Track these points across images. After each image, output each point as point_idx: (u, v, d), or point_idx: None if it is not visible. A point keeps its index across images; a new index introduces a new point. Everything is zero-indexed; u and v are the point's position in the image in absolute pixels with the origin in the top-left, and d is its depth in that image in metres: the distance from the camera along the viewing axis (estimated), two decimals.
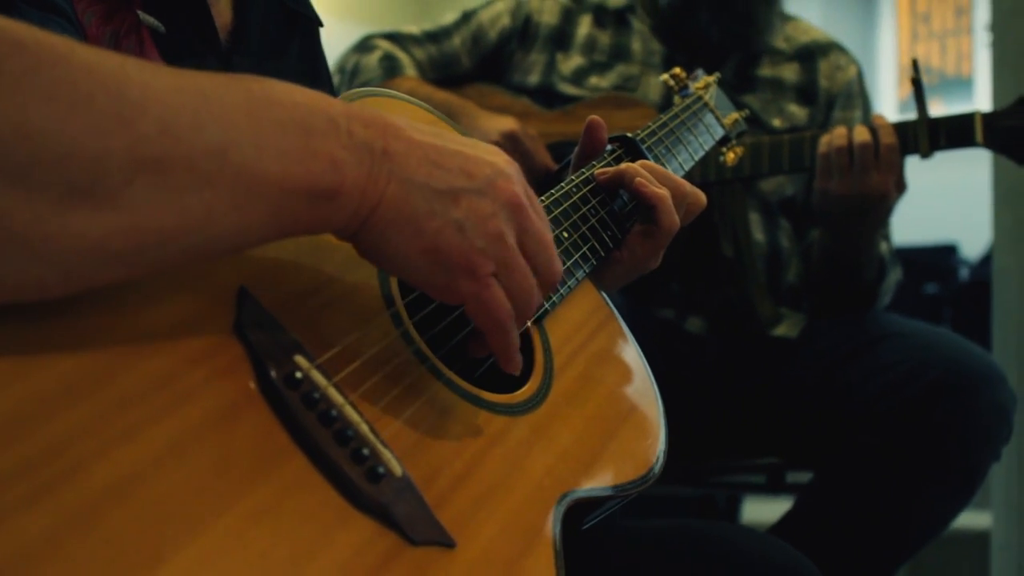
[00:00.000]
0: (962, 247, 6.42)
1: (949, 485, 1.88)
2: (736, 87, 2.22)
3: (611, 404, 1.00)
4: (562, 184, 1.15)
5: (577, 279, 1.08)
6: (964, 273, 6.27)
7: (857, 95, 2.29)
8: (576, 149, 1.24)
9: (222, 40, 1.01)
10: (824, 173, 1.92)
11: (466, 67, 2.35)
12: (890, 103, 8.14)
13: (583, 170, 1.19)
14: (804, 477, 2.15)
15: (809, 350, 2.07)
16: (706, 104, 1.50)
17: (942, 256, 6.35)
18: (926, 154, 1.90)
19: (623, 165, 1.18)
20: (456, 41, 2.34)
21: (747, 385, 2.10)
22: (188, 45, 0.96)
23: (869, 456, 1.90)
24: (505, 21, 2.33)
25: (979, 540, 3.16)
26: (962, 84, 7.81)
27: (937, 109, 7.74)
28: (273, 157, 0.70)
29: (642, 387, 1.05)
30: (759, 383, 2.09)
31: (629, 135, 1.27)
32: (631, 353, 1.08)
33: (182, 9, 0.96)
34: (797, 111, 2.24)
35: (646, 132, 1.31)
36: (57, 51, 0.62)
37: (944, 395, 1.84)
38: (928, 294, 6.02)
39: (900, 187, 1.94)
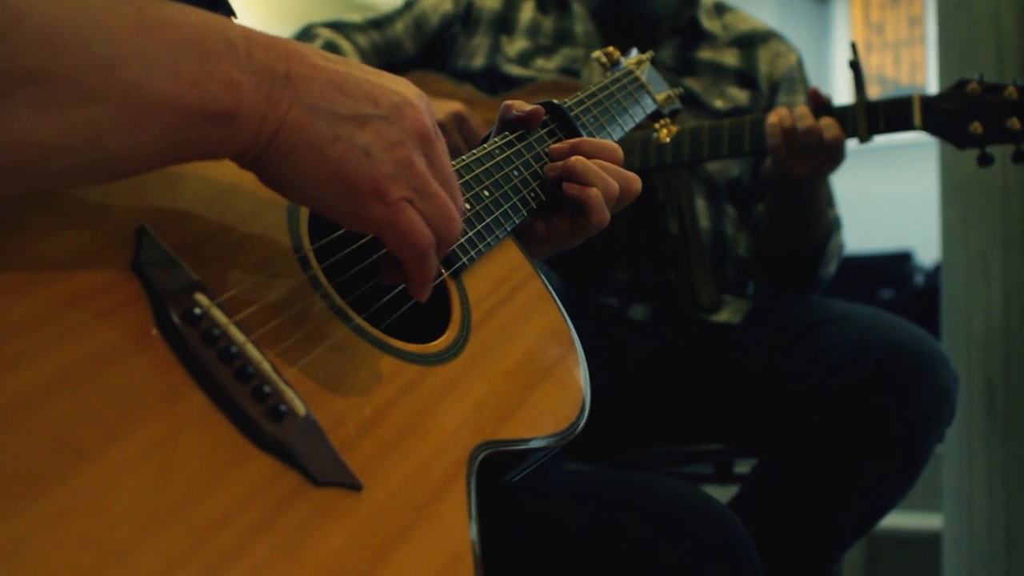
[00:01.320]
0: (917, 254, 6.46)
1: (892, 467, 1.88)
2: (676, 70, 2.23)
3: (531, 360, 0.99)
4: (484, 145, 1.13)
5: (497, 236, 1.06)
6: (919, 280, 6.31)
7: (799, 80, 2.30)
8: (498, 121, 1.21)
9: None
10: (775, 158, 1.93)
11: (409, 52, 2.34)
12: None
13: (506, 133, 1.17)
14: (752, 466, 2.14)
15: (752, 336, 2.06)
16: (637, 78, 1.49)
17: (897, 263, 6.40)
18: (864, 138, 1.90)
19: (576, 159, 1.15)
20: (399, 27, 2.34)
21: (691, 372, 2.09)
22: None
23: (812, 440, 1.89)
24: (447, 7, 2.33)
25: (931, 541, 3.18)
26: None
27: None
28: (165, 77, 0.68)
29: (564, 345, 1.04)
30: (703, 370, 2.08)
31: (556, 102, 1.26)
32: (553, 312, 1.06)
33: None
34: (738, 94, 2.24)
35: (573, 101, 1.30)
36: None
37: (886, 377, 1.83)
38: (883, 300, 6.06)
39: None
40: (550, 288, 1.08)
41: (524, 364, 0.97)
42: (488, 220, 1.05)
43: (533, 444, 0.92)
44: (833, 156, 1.92)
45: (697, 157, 1.99)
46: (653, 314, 2.12)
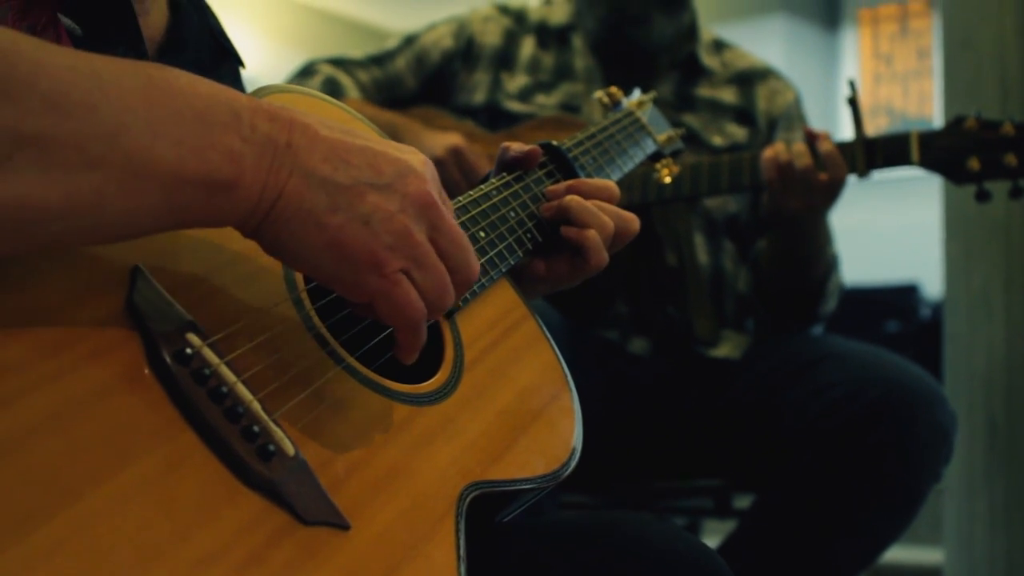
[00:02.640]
0: (923, 287, 6.46)
1: (889, 506, 1.88)
2: (675, 106, 2.25)
3: (523, 401, 0.99)
4: (481, 186, 1.14)
5: (492, 278, 1.07)
6: (926, 312, 6.31)
7: (796, 118, 2.31)
8: (496, 162, 1.22)
9: (148, 52, 1.00)
10: (771, 194, 1.94)
11: (411, 88, 2.35)
12: None
13: (504, 174, 1.18)
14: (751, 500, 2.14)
15: (751, 371, 2.07)
16: (638, 119, 1.50)
17: (903, 296, 6.40)
18: (863, 173, 1.92)
19: (570, 199, 1.16)
20: (400, 63, 2.35)
21: (690, 406, 2.10)
22: (109, 50, 0.95)
23: (809, 477, 1.90)
24: (448, 43, 2.34)
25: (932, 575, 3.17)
26: (924, 125, 7.90)
27: None
28: (168, 145, 0.70)
29: (557, 386, 1.04)
30: (702, 404, 2.09)
31: (555, 143, 1.27)
32: (547, 352, 1.07)
33: (107, 15, 0.95)
34: (737, 131, 2.26)
35: (573, 142, 1.31)
36: None
37: (883, 416, 1.84)
38: (889, 332, 6.06)
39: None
40: (544, 329, 1.09)
41: (516, 405, 0.98)
42: (482, 261, 1.06)
43: (523, 485, 0.93)
44: (830, 192, 1.92)
45: (696, 192, 2.00)
46: (653, 348, 2.13)
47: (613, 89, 1.58)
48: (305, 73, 2.35)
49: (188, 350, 0.73)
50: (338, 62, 2.36)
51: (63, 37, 0.89)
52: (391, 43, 2.41)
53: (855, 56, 8.34)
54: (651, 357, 2.13)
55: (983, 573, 2.72)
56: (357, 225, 0.78)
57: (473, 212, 1.09)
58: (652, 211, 2.09)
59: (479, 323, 1.03)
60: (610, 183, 1.20)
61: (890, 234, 7.16)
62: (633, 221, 1.19)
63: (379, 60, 2.37)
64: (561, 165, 1.26)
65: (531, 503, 0.98)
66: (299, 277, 0.89)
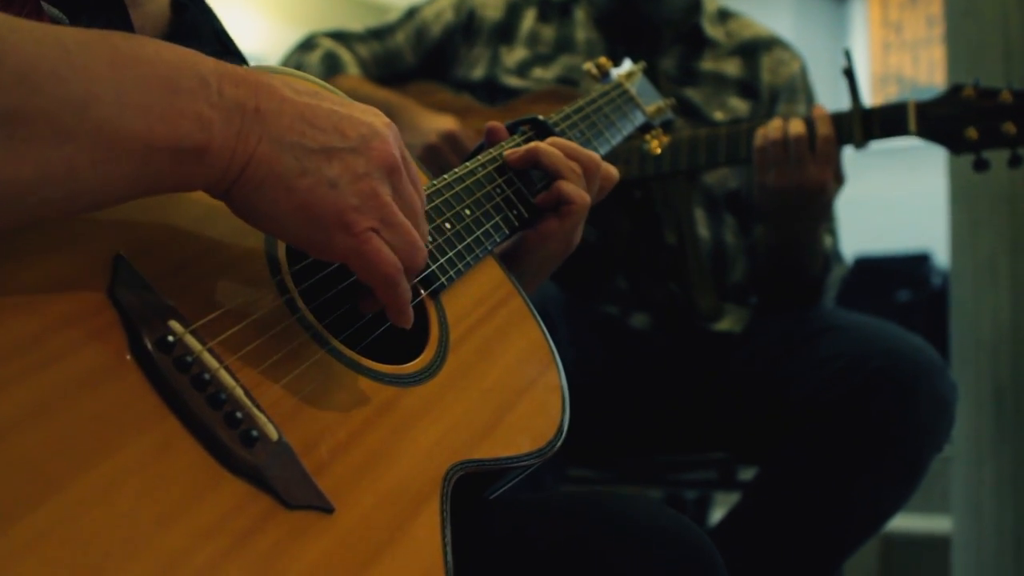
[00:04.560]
0: (935, 255, 6.44)
1: (891, 477, 1.88)
2: (678, 80, 2.24)
3: (509, 378, 1.00)
4: (466, 164, 1.15)
5: (478, 256, 1.08)
6: (937, 281, 6.28)
7: (801, 89, 2.30)
8: (484, 139, 1.24)
9: None
10: (761, 166, 1.93)
11: (410, 63, 2.35)
12: None
13: (490, 151, 1.20)
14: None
15: (752, 344, 2.07)
16: (626, 91, 1.50)
17: (915, 264, 6.37)
18: (860, 144, 1.91)
19: (532, 144, 1.19)
20: (400, 37, 2.35)
21: (692, 380, 2.10)
22: None
23: (812, 448, 1.90)
24: (448, 16, 2.34)
25: (941, 544, 3.18)
26: (934, 93, 7.84)
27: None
28: (136, 114, 0.70)
29: (543, 363, 1.05)
30: (704, 378, 2.09)
31: (540, 118, 1.28)
32: (533, 330, 1.07)
33: (99, 8, 0.96)
34: (739, 104, 2.25)
35: (560, 116, 1.32)
36: None
37: (883, 387, 1.84)
38: (901, 302, 6.04)
39: (838, 179, 1.95)
40: (531, 306, 1.10)
41: (502, 383, 0.99)
42: (469, 239, 1.07)
43: (509, 463, 0.94)
44: (823, 160, 1.90)
45: (695, 165, 2.00)
46: (654, 323, 2.13)
47: (602, 60, 1.58)
48: (305, 47, 2.35)
49: (170, 337, 0.74)
50: (338, 36, 2.36)
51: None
52: (393, 16, 2.40)
53: (864, 24, 8.30)
54: (652, 332, 2.13)
55: (991, 540, 2.73)
56: (325, 187, 0.79)
57: (458, 188, 1.10)
58: (652, 189, 2.09)
59: (465, 302, 1.04)
60: (592, 154, 1.22)
61: (901, 203, 7.14)
62: (613, 170, 1.24)
63: (379, 34, 2.37)
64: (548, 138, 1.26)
65: (519, 479, 0.99)
66: (283, 259, 0.90)
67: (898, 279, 6.23)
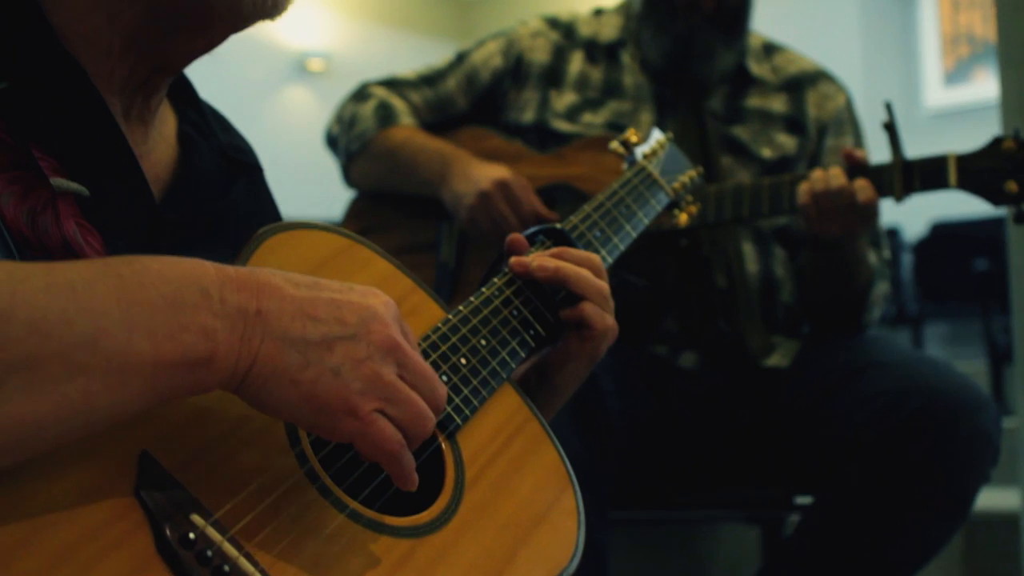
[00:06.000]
0: None
1: (936, 513, 1.92)
2: (725, 119, 2.28)
3: (524, 510, 1.05)
4: (483, 289, 1.21)
5: (493, 388, 1.13)
6: None
7: (847, 122, 2.33)
8: (501, 252, 1.29)
9: (156, 195, 1.07)
10: (806, 218, 1.97)
11: (462, 108, 2.42)
12: (935, 74, 8.09)
13: (505, 270, 1.24)
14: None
15: (799, 380, 2.11)
16: (649, 174, 1.54)
17: (992, 229, 6.27)
18: (900, 198, 1.93)
19: (558, 265, 1.23)
20: (451, 83, 2.41)
21: (741, 417, 2.15)
22: (116, 205, 1.02)
23: (857, 486, 1.95)
24: (497, 61, 2.39)
25: (1008, 521, 3.16)
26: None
27: (981, 78, 7.66)
28: (144, 336, 0.77)
29: (559, 487, 1.10)
30: (753, 414, 2.14)
31: (558, 226, 1.32)
32: (549, 453, 1.12)
33: (110, 168, 1.02)
34: (786, 140, 2.28)
35: (580, 217, 1.36)
36: None
37: (923, 427, 1.88)
38: (978, 271, 5.97)
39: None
40: (548, 428, 1.15)
41: (517, 516, 1.04)
42: (485, 372, 1.12)
43: None
44: (865, 216, 1.95)
45: (739, 217, 2.04)
46: (702, 361, 2.18)
47: (629, 133, 1.61)
48: (359, 97, 2.42)
49: (191, 534, 0.81)
50: (391, 84, 2.42)
51: (63, 212, 0.95)
52: (443, 61, 2.46)
53: None
54: (700, 370, 2.18)
55: None
56: (328, 376, 0.85)
57: (474, 320, 1.15)
58: (699, 232, 2.14)
59: (481, 436, 1.09)
60: (593, 256, 1.26)
61: None
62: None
63: (431, 80, 2.43)
64: (569, 244, 1.31)
65: None
66: (302, 431, 0.96)
67: (975, 246, 6.15)
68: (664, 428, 2.13)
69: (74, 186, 0.97)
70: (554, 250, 1.26)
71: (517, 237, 1.28)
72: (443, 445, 1.05)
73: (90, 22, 1.02)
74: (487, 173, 2.15)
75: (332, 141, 2.46)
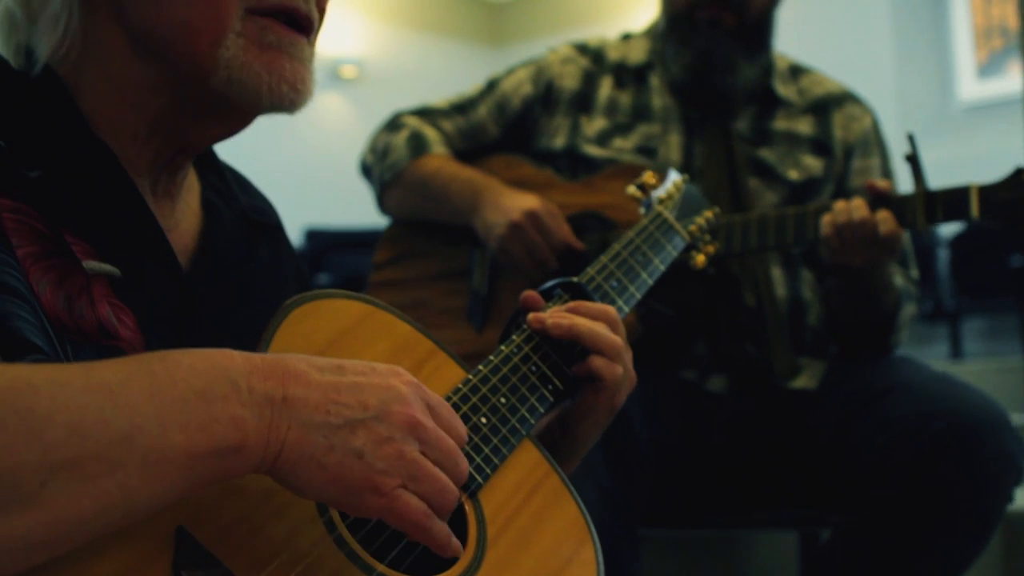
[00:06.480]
0: None
1: (962, 534, 1.96)
2: (752, 141, 2.31)
3: (545, 563, 1.09)
4: (502, 347, 1.25)
5: (513, 445, 1.16)
6: None
7: (874, 143, 2.36)
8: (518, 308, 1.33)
9: (184, 266, 1.12)
10: (829, 249, 2.01)
11: (494, 135, 2.46)
12: (968, 66, 8.05)
13: (524, 328, 1.28)
14: None
15: (825, 402, 2.15)
16: (665, 220, 1.57)
17: None
18: (922, 228, 1.96)
19: (571, 322, 1.26)
20: (482, 111, 2.45)
21: (769, 439, 2.18)
22: (146, 282, 1.07)
23: (883, 508, 1.99)
24: (527, 88, 2.44)
25: None
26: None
27: (1015, 70, 7.61)
28: (178, 431, 0.82)
29: (579, 540, 1.13)
30: (781, 437, 2.18)
31: (575, 280, 1.36)
32: (569, 507, 1.16)
33: (140, 246, 1.08)
34: (813, 163, 2.31)
35: (596, 268, 1.40)
36: None
37: (948, 450, 1.92)
38: (1014, 266, 5.94)
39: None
40: (567, 481, 1.19)
41: (538, 570, 1.08)
42: (504, 430, 1.15)
43: None
44: (888, 248, 1.97)
45: (764, 246, 2.08)
46: (731, 385, 2.22)
47: (647, 176, 1.64)
48: (391, 127, 2.46)
49: None
50: (423, 113, 2.47)
51: (97, 295, 1.01)
52: (474, 89, 2.51)
53: None
54: (729, 394, 2.22)
55: None
56: (352, 458, 0.90)
57: (494, 380, 1.19)
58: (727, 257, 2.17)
59: (502, 493, 1.12)
60: (608, 308, 1.30)
61: (1014, 157, 6.99)
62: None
63: (462, 108, 2.48)
64: (583, 299, 1.34)
65: None
66: None
67: (1012, 241, 6.10)
68: (694, 452, 2.17)
69: (106, 268, 1.03)
70: (570, 304, 1.30)
71: (532, 294, 1.31)
72: (465, 504, 1.10)
73: (117, 109, 1.08)
74: (518, 203, 2.19)
75: (366, 170, 2.51)
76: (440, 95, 2.55)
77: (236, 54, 1.05)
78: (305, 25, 1.11)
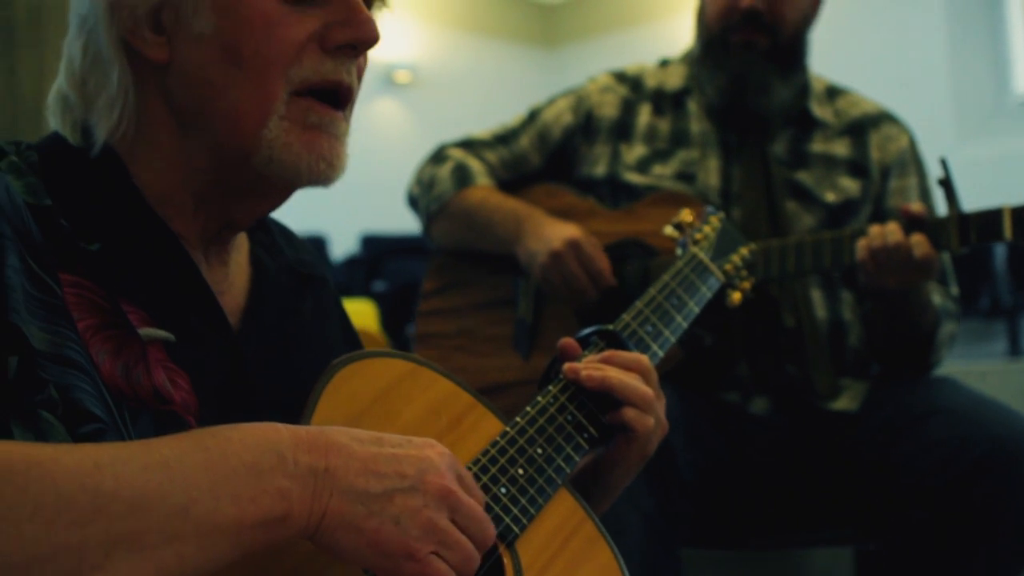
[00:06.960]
0: None
1: (1001, 558, 1.98)
2: (789, 163, 2.35)
3: None
4: (539, 398, 1.30)
5: (549, 494, 1.21)
6: None
7: (911, 162, 2.38)
8: (556, 355, 1.38)
9: (234, 326, 1.19)
10: (865, 273, 2.04)
11: (536, 165, 2.52)
12: None
13: (560, 377, 1.33)
14: None
15: (866, 424, 2.18)
16: (700, 262, 1.62)
17: None
18: (956, 250, 1.98)
19: (603, 374, 1.31)
20: (524, 141, 2.51)
21: (811, 461, 2.22)
22: (200, 346, 1.13)
23: (923, 531, 2.02)
24: (568, 118, 2.49)
25: None
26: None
27: None
28: (230, 502, 0.88)
29: None
30: (822, 458, 2.21)
31: (611, 328, 1.42)
32: (604, 553, 1.21)
33: (193, 310, 1.14)
34: (850, 184, 2.34)
35: (632, 314, 1.45)
36: (44, 467, 0.81)
37: (987, 475, 1.95)
38: None
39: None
40: (602, 528, 1.24)
41: None
42: (541, 480, 1.20)
43: None
44: (923, 271, 2.00)
45: (801, 270, 2.11)
46: (773, 407, 2.26)
47: (684, 215, 1.69)
48: (436, 160, 2.53)
49: None
50: (467, 144, 2.54)
51: (153, 362, 1.07)
52: (516, 119, 2.57)
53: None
54: (770, 415, 2.25)
55: None
56: (389, 525, 0.95)
57: (531, 431, 1.24)
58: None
59: (538, 541, 1.17)
60: (641, 358, 1.35)
61: None
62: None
63: (505, 139, 2.54)
64: (618, 346, 1.40)
65: None
66: None
67: None
68: (736, 474, 2.21)
69: (162, 334, 1.09)
70: (604, 354, 1.35)
71: (569, 342, 1.37)
72: (503, 555, 1.15)
73: (168, 185, 1.14)
74: (558, 232, 2.25)
75: (413, 202, 2.57)
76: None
77: (279, 135, 1.11)
78: (346, 98, 1.18)
